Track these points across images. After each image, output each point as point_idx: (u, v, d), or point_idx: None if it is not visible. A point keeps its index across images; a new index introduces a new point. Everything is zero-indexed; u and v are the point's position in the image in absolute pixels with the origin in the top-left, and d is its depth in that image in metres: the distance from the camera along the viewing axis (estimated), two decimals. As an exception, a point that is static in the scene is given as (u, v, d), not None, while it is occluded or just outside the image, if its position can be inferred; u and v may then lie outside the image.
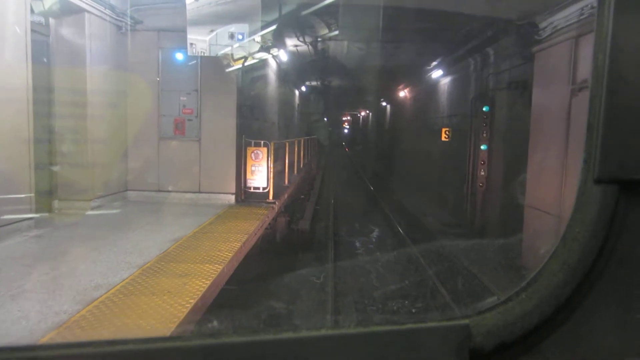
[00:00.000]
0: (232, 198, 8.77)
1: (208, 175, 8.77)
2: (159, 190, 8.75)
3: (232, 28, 7.87)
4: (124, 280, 4.19)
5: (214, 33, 7.83)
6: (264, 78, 12.90)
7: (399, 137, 24.56)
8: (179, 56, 8.61)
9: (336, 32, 13.31)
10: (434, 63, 15.76)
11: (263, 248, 7.56)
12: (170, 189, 8.71)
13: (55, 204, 7.31)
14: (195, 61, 8.53)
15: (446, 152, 14.62)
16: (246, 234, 6.33)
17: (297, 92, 21.85)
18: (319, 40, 12.83)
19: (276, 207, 9.08)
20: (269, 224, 8.50)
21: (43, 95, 6.86)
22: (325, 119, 48.62)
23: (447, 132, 14.79)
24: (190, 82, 8.73)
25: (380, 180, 23.82)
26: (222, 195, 8.77)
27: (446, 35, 13.04)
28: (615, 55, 0.99)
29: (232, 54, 9.17)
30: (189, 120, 8.71)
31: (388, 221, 14.28)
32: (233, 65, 9.50)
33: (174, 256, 5.12)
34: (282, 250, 9.68)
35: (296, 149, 15.00)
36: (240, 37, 7.95)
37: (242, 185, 9.07)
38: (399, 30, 12.97)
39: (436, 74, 16.18)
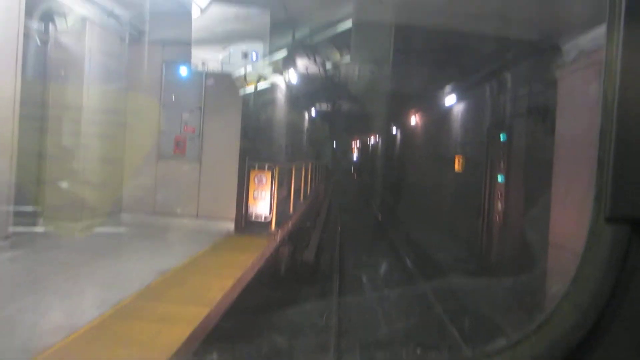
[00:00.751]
0: (232, 226, 8.17)
1: (207, 200, 8.20)
2: (155, 213, 8.18)
3: (246, 47, 7.41)
4: (89, 323, 3.57)
5: (227, 51, 7.40)
6: (272, 99, 12.47)
7: (410, 165, 23.97)
8: (183, 71, 8.18)
9: (347, 58, 12.96)
10: (447, 88, 15.28)
11: (261, 283, 6.89)
12: (166, 212, 8.14)
13: (40, 224, 6.75)
14: (200, 77, 8.09)
15: (460, 181, 13.98)
16: (242, 268, 5.71)
17: (306, 116, 21.45)
18: (330, 64, 12.44)
19: (278, 237, 8.45)
20: (270, 255, 7.86)
21: (34, 109, 6.41)
22: (334, 143, 48.31)
23: (460, 161, 14.18)
24: (194, 98, 8.27)
25: (389, 209, 23.13)
26: (221, 222, 8.17)
27: (460, 60, 12.59)
28: (624, 92, 0.98)
29: (245, 76, 8.77)
30: (191, 139, 8.21)
31: (397, 254, 13.56)
32: (246, 87, 9.12)
33: (156, 293, 4.50)
34: (282, 285, 8.97)
35: (303, 174, 14.45)
36: (254, 56, 7.48)
37: (244, 212, 8.48)
38: (412, 53, 12.57)
39: (449, 99, 15.69)
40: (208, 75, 8.03)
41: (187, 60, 7.69)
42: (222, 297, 4.57)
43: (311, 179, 18.17)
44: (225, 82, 8.05)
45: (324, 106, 21.57)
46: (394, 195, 26.44)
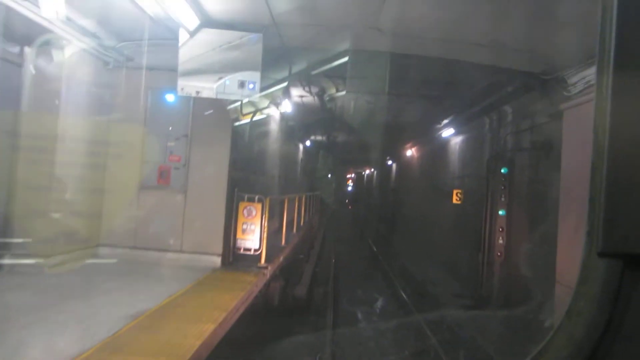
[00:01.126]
0: (218, 260, 7.62)
1: (193, 233, 7.67)
2: (135, 247, 7.63)
3: (242, 76, 7.03)
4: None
5: (222, 80, 7.03)
6: (265, 129, 12.12)
7: (405, 197, 23.56)
8: (170, 98, 7.80)
9: (343, 90, 12.71)
10: (445, 121, 15.04)
11: (247, 324, 6.31)
12: (148, 246, 7.59)
13: (5, 260, 6.18)
14: (187, 104, 7.71)
15: (458, 215, 13.53)
16: (225, 310, 5.15)
17: (300, 147, 21.14)
18: (327, 95, 12.18)
19: (268, 272, 7.90)
20: (259, 292, 7.29)
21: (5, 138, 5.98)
22: (329, 175, 48.02)
23: (458, 195, 13.77)
24: (180, 126, 7.86)
25: (384, 242, 22.59)
26: (206, 256, 7.63)
27: (459, 91, 12.37)
28: (615, 129, 1.02)
29: (241, 107, 8.39)
30: (176, 168, 7.76)
31: (393, 289, 12.96)
32: (241, 118, 8.70)
33: (122, 343, 3.94)
34: (271, 324, 8.37)
35: (297, 205, 13.97)
36: (251, 86, 7.10)
37: (231, 245, 7.95)
38: (408, 84, 12.33)
39: (447, 132, 15.43)
40: (196, 101, 7.65)
41: (174, 86, 7.35)
42: (199, 346, 4.02)
43: (305, 210, 17.67)
44: (214, 111, 7.66)
45: (319, 137, 21.28)
46: (390, 227, 25.92)
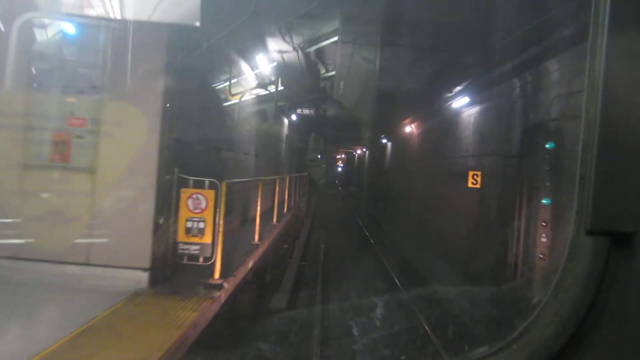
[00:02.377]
0: (145, 278, 4.98)
1: (105, 234, 5.02)
2: (17, 258, 4.97)
3: None
4: None
5: None
6: (231, 91, 9.38)
7: (403, 180, 21.01)
8: (68, 28, 5.06)
9: (334, 39, 9.98)
10: (457, 88, 12.40)
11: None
12: (35, 256, 4.94)
13: None
14: (96, 37, 4.99)
15: (474, 202, 11.00)
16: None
17: (285, 121, 18.37)
18: (307, 44, 9.42)
19: (225, 293, 5.29)
20: (206, 331, 4.67)
21: None
22: (319, 155, 45.36)
23: (475, 177, 11.23)
24: (87, 72, 5.13)
25: (379, 230, 20.06)
26: (127, 271, 4.99)
27: (477, 49, 9.74)
28: (606, 109, 1.04)
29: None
30: (79, 137, 5.04)
31: (399, 299, 10.42)
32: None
33: None
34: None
35: (277, 189, 11.33)
36: None
37: (166, 253, 5.33)
38: (413, 34, 9.66)
39: (458, 102, 12.80)
40: (112, 32, 4.94)
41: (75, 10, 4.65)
42: None
43: (289, 194, 15.08)
44: (140, 44, 4.95)
45: (307, 110, 18.52)
46: (386, 212, 23.37)
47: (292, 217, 14.26)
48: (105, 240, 5.02)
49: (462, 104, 12.50)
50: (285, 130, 19.05)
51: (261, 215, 8.16)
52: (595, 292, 1.05)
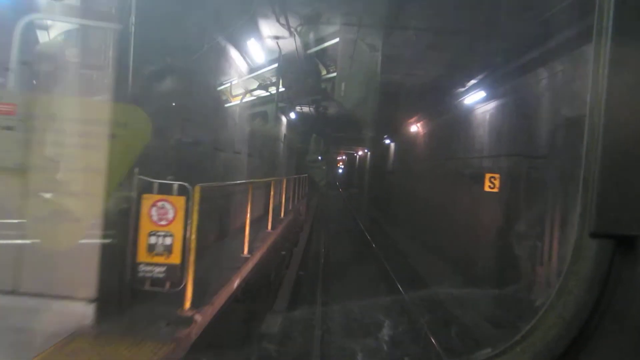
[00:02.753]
0: (89, 311, 3.81)
1: (39, 256, 3.86)
2: None
3: None
4: None
5: None
6: (213, 78, 8.22)
7: (408, 182, 19.84)
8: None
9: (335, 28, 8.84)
10: (471, 82, 11.25)
11: None
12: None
13: None
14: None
15: (493, 208, 9.83)
16: None
17: (283, 119, 17.19)
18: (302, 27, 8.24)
19: (194, 332, 4.12)
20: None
21: None
22: (319, 156, 44.23)
23: (492, 180, 10.08)
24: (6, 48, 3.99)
25: (385, 236, 18.86)
26: (66, 302, 3.83)
27: (497, 37, 8.59)
28: (610, 112, 1.05)
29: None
30: (6, 129, 3.87)
31: (402, 305, 9.25)
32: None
33: None
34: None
35: (273, 193, 10.17)
36: None
37: (125, 276, 4.17)
38: (423, 26, 8.53)
39: (473, 97, 11.66)
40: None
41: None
42: None
43: (287, 197, 13.93)
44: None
45: (306, 108, 17.33)
46: (388, 216, 22.17)
47: (290, 222, 13.10)
48: (39, 261, 3.85)
49: (477, 99, 11.35)
50: (284, 129, 17.87)
51: (255, 221, 7.01)
52: (598, 294, 1.04)
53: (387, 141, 26.56)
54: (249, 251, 6.97)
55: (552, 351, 1.05)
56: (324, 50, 10.03)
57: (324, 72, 11.91)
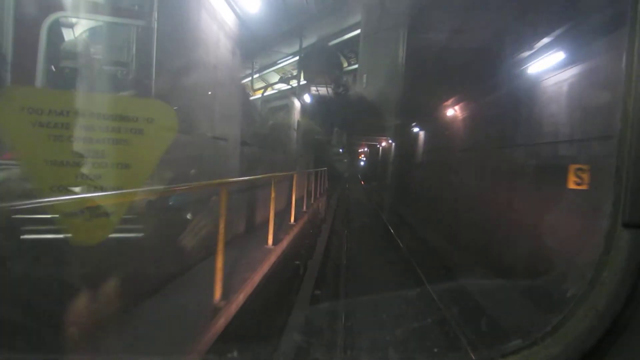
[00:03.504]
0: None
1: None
2: None
3: None
4: None
5: None
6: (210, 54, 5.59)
7: (444, 177, 16.97)
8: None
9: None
10: (543, 41, 8.34)
11: None
12: None
13: None
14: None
15: (588, 216, 6.96)
16: None
17: (295, 103, 14.49)
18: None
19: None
20: None
21: None
22: (340, 149, 41.51)
23: (579, 174, 7.25)
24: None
25: (419, 242, 16.06)
26: None
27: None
28: None
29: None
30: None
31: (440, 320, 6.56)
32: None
33: None
34: None
35: (273, 195, 7.53)
36: None
37: None
38: None
39: (540, 64, 8.78)
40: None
41: None
42: None
43: (300, 195, 11.36)
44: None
45: (322, 87, 14.59)
46: (422, 215, 19.27)
47: (304, 225, 10.48)
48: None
49: (550, 65, 8.46)
50: (297, 115, 15.19)
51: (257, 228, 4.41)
52: (632, 286, 1.00)
53: (416, 129, 23.66)
54: (223, 297, 4.37)
55: (584, 343, 1.00)
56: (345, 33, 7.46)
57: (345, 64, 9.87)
